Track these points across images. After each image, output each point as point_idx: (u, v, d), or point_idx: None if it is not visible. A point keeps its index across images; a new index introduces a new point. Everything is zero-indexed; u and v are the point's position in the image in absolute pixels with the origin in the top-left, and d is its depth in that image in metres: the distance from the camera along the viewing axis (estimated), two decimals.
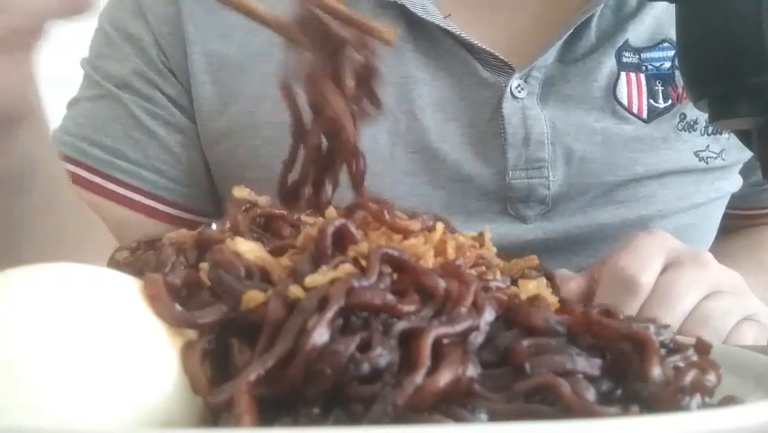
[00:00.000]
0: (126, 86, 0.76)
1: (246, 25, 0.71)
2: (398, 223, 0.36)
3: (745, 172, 0.82)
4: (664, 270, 0.63)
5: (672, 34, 0.72)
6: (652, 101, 0.76)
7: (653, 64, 0.76)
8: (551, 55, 0.73)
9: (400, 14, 0.72)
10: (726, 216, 0.85)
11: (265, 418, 0.27)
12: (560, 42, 0.73)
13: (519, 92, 0.73)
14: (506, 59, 0.73)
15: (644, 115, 0.76)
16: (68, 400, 0.27)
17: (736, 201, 0.85)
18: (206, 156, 0.78)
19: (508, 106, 0.73)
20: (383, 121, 0.72)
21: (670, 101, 0.76)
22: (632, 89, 0.76)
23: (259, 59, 0.74)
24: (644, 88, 0.76)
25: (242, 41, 0.75)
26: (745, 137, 0.55)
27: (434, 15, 0.72)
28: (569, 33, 0.73)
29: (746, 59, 0.50)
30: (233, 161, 0.76)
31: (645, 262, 0.63)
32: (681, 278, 0.62)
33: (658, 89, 0.76)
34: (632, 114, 0.75)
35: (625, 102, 0.75)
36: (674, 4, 0.55)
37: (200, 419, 0.29)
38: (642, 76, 0.76)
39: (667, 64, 0.76)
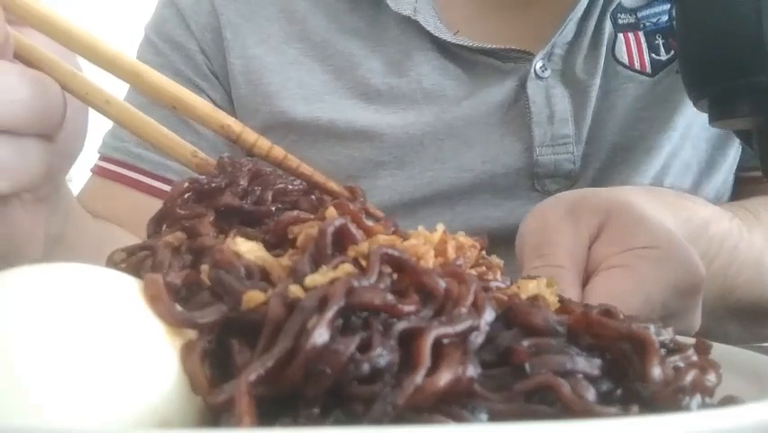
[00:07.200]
0: None
1: (281, 35, 0.82)
2: (373, 228, 0.35)
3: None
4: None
5: None
6: (654, 55, 0.78)
7: (651, 20, 0.79)
8: (569, 31, 0.77)
9: (417, 29, 0.78)
10: (736, 182, 0.85)
11: (265, 418, 0.27)
12: (577, 17, 0.76)
13: (543, 72, 0.76)
14: (525, 49, 0.77)
15: (648, 69, 0.78)
16: (68, 400, 0.27)
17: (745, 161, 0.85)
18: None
19: (533, 86, 0.76)
20: (412, 113, 0.78)
21: (672, 52, 0.78)
22: (631, 47, 0.78)
23: (291, 66, 0.80)
24: (644, 44, 0.78)
25: (277, 50, 0.81)
26: (745, 137, 0.55)
27: (443, 33, 0.77)
28: (584, 9, 0.76)
29: (746, 59, 0.50)
30: None
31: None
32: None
33: (659, 43, 0.78)
34: (635, 71, 0.78)
35: (625, 61, 0.78)
36: (673, 3, 0.55)
37: (200, 419, 0.29)
38: (640, 33, 0.79)
39: (664, 18, 0.78)
